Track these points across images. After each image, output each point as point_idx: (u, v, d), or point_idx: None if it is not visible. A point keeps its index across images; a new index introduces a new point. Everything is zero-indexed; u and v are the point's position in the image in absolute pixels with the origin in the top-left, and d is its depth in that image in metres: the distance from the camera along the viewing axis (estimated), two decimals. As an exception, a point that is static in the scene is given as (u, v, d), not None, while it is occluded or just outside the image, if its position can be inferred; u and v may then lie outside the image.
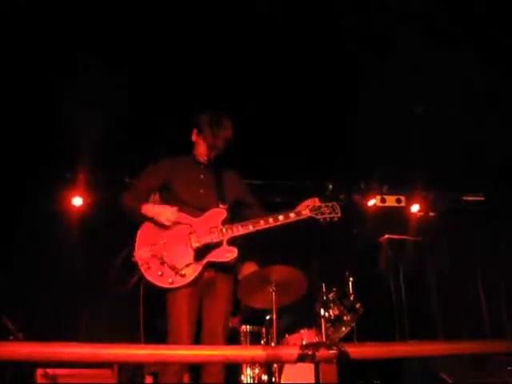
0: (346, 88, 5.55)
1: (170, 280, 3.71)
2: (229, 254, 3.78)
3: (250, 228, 3.80)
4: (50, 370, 4.69)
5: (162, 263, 3.74)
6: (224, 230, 3.78)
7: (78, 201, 6.92)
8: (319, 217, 3.84)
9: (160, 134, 5.97)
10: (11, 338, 4.79)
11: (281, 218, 3.82)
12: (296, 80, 5.50)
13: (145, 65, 5.25)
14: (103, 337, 6.31)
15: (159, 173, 4.01)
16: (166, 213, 3.79)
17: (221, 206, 3.91)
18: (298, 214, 3.84)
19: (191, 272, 3.74)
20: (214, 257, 3.78)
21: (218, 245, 3.78)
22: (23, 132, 5.95)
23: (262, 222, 3.81)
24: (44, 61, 5.08)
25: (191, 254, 3.77)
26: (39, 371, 4.71)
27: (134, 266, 3.81)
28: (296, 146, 6.27)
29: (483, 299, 7.34)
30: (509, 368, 5.07)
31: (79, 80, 5.24)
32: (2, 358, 2.23)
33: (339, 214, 3.87)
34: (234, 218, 3.99)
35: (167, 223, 3.78)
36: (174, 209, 3.80)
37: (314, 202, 3.92)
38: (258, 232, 4.02)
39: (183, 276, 3.72)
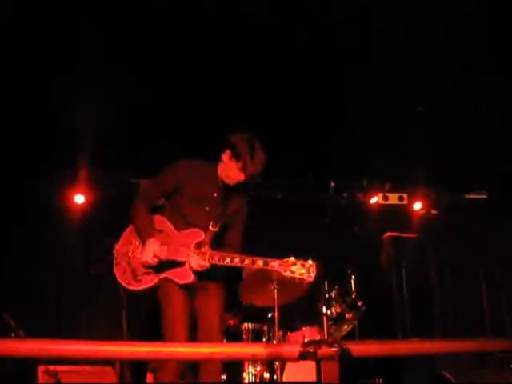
0: (349, 85, 5.54)
1: (127, 281, 3.81)
2: (185, 277, 3.74)
3: (216, 260, 3.68)
4: (51, 367, 4.69)
5: (128, 263, 3.83)
6: (190, 253, 3.72)
7: (79, 198, 6.91)
8: (286, 274, 3.55)
9: (162, 131, 5.96)
10: (12, 334, 4.80)
11: (246, 261, 3.62)
12: (297, 78, 5.49)
13: (147, 63, 5.24)
14: (103, 335, 6.31)
15: (177, 176, 3.93)
16: (150, 253, 3.74)
17: (211, 227, 3.85)
18: (266, 263, 3.61)
19: (147, 281, 3.78)
20: (171, 274, 3.76)
21: (181, 264, 3.75)
22: (25, 130, 5.95)
23: (228, 259, 3.65)
24: (44, 57, 5.07)
25: (154, 264, 3.78)
26: (40, 368, 4.71)
27: (106, 256, 3.93)
28: (298, 142, 6.27)
29: (485, 297, 7.33)
30: (510, 366, 5.07)
31: (81, 77, 5.24)
32: (3, 354, 2.23)
33: (312, 279, 3.54)
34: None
35: (142, 259, 3.76)
36: (157, 258, 3.74)
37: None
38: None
39: (138, 282, 3.79)
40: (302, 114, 5.94)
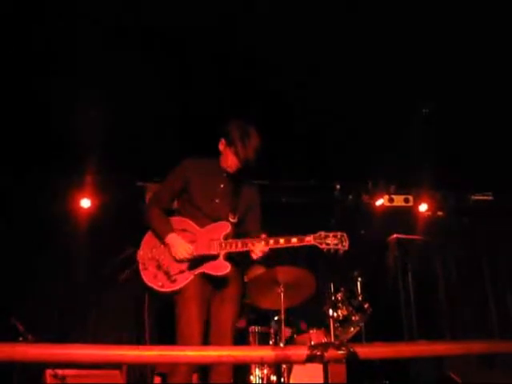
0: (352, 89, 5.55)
1: (160, 283, 3.80)
2: (222, 268, 3.80)
3: (249, 246, 3.80)
4: (59, 371, 4.70)
5: (158, 266, 3.84)
6: (223, 245, 3.81)
7: (86, 202, 6.93)
8: (323, 246, 3.73)
9: (168, 134, 5.97)
10: (21, 339, 4.81)
11: (281, 241, 3.77)
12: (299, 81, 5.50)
13: (153, 65, 5.25)
14: (111, 338, 6.33)
15: (183, 175, 4.03)
16: (180, 249, 3.82)
17: (231, 218, 3.93)
18: (301, 239, 3.76)
19: (182, 279, 3.80)
20: (207, 268, 3.81)
21: (215, 258, 3.80)
22: (32, 134, 5.96)
23: (262, 242, 3.79)
24: (52, 61, 5.09)
25: (186, 262, 3.82)
26: (48, 372, 4.73)
27: (132, 264, 3.92)
28: (303, 145, 6.27)
29: (491, 299, 7.32)
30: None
31: (88, 81, 5.25)
32: (12, 358, 2.24)
33: (346, 247, 3.73)
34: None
35: (177, 257, 3.82)
36: (191, 248, 3.82)
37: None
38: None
39: (173, 282, 3.80)
40: (306, 114, 5.93)
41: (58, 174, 6.68)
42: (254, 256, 3.79)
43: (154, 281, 3.81)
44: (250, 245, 3.79)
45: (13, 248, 6.44)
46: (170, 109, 5.69)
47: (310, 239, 3.74)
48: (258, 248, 3.76)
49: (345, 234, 3.76)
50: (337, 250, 3.72)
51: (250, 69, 5.23)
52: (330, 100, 5.69)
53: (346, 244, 3.73)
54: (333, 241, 3.72)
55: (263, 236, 3.84)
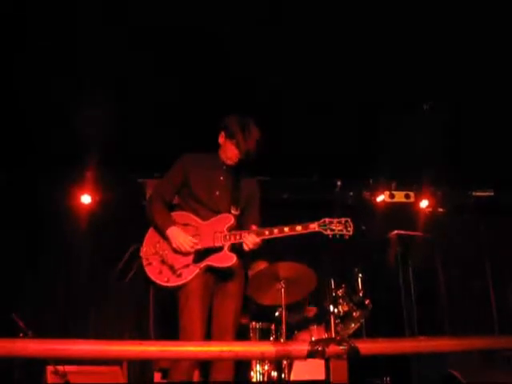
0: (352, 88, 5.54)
1: (166, 279, 3.80)
2: (227, 260, 3.80)
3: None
4: (59, 367, 4.70)
5: (163, 261, 3.83)
6: (227, 237, 3.81)
7: (86, 199, 6.93)
8: (328, 232, 3.75)
9: (168, 131, 5.97)
10: (21, 335, 4.81)
11: (286, 229, 3.79)
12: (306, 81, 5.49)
13: (153, 63, 5.24)
14: (111, 335, 6.33)
15: (183, 169, 4.04)
16: (181, 241, 3.81)
17: (233, 211, 3.93)
18: (306, 227, 3.78)
19: (188, 273, 3.80)
20: (212, 261, 3.81)
21: (219, 250, 3.81)
22: (33, 132, 5.96)
23: (266, 232, 3.80)
24: (52, 58, 5.08)
25: (191, 256, 3.82)
26: (49, 368, 4.73)
27: (135, 261, 3.92)
28: (304, 142, 6.26)
29: (492, 295, 7.31)
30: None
31: (87, 78, 5.24)
32: (13, 354, 2.24)
33: (351, 233, 3.76)
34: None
35: (178, 250, 3.82)
36: (192, 241, 3.82)
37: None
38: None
39: (179, 276, 3.79)
40: (307, 113, 5.93)
41: (58, 170, 6.67)
42: (246, 247, 3.79)
43: (160, 276, 3.80)
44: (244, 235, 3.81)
45: (13, 246, 6.44)
46: (170, 105, 5.69)
47: (314, 226, 3.76)
48: (250, 240, 3.77)
49: (349, 220, 3.78)
50: (342, 236, 3.72)
51: (251, 66, 5.23)
52: (331, 98, 5.69)
53: (351, 229, 3.76)
54: (337, 227, 3.75)
55: (254, 228, 3.84)
